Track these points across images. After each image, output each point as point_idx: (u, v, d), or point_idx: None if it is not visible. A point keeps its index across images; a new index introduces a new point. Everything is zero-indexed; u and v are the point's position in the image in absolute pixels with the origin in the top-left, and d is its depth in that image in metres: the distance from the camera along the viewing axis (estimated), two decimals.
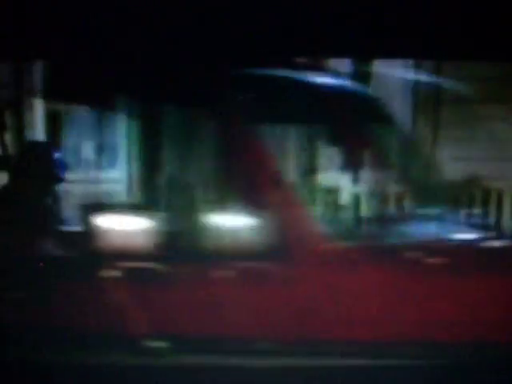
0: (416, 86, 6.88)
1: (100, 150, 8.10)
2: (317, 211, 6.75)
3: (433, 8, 5.11)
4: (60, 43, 4.69)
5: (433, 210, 4.97)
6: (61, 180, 5.25)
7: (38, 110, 8.02)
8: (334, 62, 6.86)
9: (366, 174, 5.69)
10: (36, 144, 5.95)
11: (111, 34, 4.73)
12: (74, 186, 7.93)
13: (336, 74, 6.09)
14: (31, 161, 5.14)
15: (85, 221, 4.45)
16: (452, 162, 6.79)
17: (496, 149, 6.84)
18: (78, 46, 4.72)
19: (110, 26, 4.71)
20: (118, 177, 7.94)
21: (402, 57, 6.26)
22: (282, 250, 4.23)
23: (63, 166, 5.23)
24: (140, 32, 4.78)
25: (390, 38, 5.15)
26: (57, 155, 5.22)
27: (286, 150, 7.20)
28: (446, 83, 6.72)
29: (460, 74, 6.87)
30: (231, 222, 4.41)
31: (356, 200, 6.65)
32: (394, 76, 7.12)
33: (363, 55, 6.25)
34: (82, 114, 8.02)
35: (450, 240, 4.50)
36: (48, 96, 6.90)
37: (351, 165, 5.64)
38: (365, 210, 6.59)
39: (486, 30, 5.01)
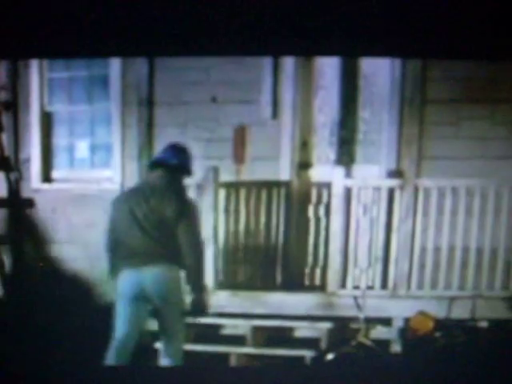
0: (402, 85, 6.96)
1: (94, 149, 8.16)
2: None
3: (421, 7, 5.22)
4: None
5: None
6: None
7: (34, 110, 8.09)
8: (322, 61, 7.02)
9: None
10: None
11: None
12: (68, 185, 8.10)
13: None
14: None
15: None
16: (436, 160, 6.91)
17: (480, 148, 6.93)
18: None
19: None
20: (112, 176, 7.98)
21: (390, 56, 6.38)
22: None
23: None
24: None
25: (377, 36, 5.25)
26: None
27: None
28: (432, 82, 6.83)
29: (446, 74, 6.98)
30: None
31: None
32: (382, 75, 7.23)
33: (352, 53, 6.34)
34: (76, 113, 8.12)
35: None
36: None
37: None
38: None
39: (474, 28, 5.11)
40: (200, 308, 5.72)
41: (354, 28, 5.19)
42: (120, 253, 5.72)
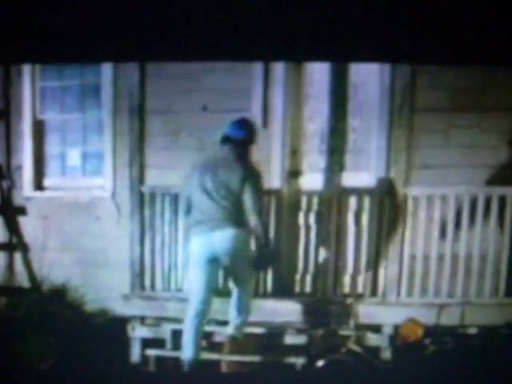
0: (392, 94, 7.00)
1: (86, 157, 8.18)
2: None
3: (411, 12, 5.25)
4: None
5: None
6: None
7: (26, 118, 8.11)
8: (312, 70, 7.06)
9: None
10: None
11: None
12: (60, 193, 8.12)
13: None
14: None
15: None
16: (425, 168, 6.95)
17: (469, 156, 6.97)
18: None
19: None
20: (104, 184, 8.01)
21: (380, 61, 6.42)
22: None
23: None
24: None
25: (367, 41, 5.29)
26: None
27: None
28: (421, 91, 6.87)
29: (434, 83, 7.03)
30: None
31: None
32: (371, 84, 7.27)
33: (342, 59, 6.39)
34: (68, 121, 8.15)
35: None
36: None
37: None
38: None
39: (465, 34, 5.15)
40: (267, 261, 6.49)
41: (344, 33, 5.23)
42: (192, 221, 6.35)
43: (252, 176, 6.28)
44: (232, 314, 6.50)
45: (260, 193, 6.36)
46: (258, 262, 6.39)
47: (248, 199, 6.20)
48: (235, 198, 6.22)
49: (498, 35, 4.94)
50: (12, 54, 4.99)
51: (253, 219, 6.21)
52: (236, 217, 6.23)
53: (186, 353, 6.32)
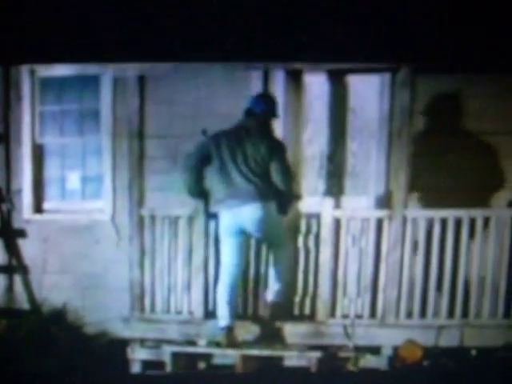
0: (390, 118, 7.09)
1: (85, 180, 8.20)
2: None
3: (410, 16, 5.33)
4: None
5: None
6: None
7: (25, 142, 8.14)
8: (311, 95, 7.14)
9: None
10: None
11: None
12: (59, 216, 8.14)
13: None
14: None
15: None
16: (424, 191, 7.03)
17: (466, 178, 7.07)
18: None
19: None
20: (103, 207, 8.04)
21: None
22: None
23: None
24: None
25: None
26: None
27: None
28: (419, 115, 6.97)
29: (432, 107, 7.14)
30: None
31: None
32: (370, 108, 7.37)
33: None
34: (67, 145, 8.18)
35: None
36: None
37: None
38: None
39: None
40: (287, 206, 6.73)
41: (343, 36, 5.31)
42: (219, 194, 6.60)
43: (278, 147, 6.55)
44: (270, 282, 6.83)
45: (287, 163, 6.58)
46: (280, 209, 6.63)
47: (276, 169, 6.45)
48: (263, 171, 6.46)
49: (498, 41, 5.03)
50: (11, 55, 5.02)
51: (282, 187, 6.50)
52: (264, 190, 6.46)
53: (225, 318, 6.64)
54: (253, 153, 6.47)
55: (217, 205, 6.67)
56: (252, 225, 6.51)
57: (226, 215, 6.58)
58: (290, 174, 6.60)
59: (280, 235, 6.71)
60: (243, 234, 6.63)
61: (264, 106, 6.67)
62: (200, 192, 6.75)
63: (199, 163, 6.64)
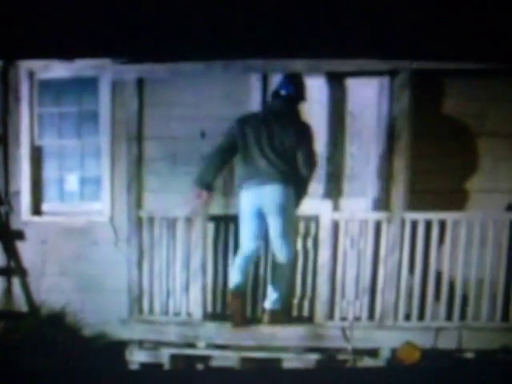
0: (389, 121, 7.11)
1: (83, 182, 8.21)
2: None
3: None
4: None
5: None
6: None
7: (24, 144, 8.15)
8: (310, 99, 7.15)
9: None
10: None
11: None
12: (58, 218, 8.14)
13: None
14: None
15: None
16: (422, 193, 7.04)
17: (466, 181, 7.09)
18: None
19: None
20: (101, 209, 8.04)
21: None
22: None
23: None
24: None
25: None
26: None
27: None
28: (421, 117, 6.97)
29: (432, 110, 7.16)
30: None
31: None
32: (369, 112, 7.39)
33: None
34: (65, 147, 8.18)
35: None
36: None
37: None
38: None
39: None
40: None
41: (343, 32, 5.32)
42: (241, 175, 6.68)
43: (306, 132, 6.57)
44: (269, 291, 6.87)
45: (313, 150, 6.61)
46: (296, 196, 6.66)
47: (302, 156, 6.49)
48: (288, 154, 6.49)
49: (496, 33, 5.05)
50: (9, 50, 5.01)
51: (305, 172, 6.54)
52: (286, 173, 6.49)
53: (235, 281, 6.70)
54: (280, 136, 6.48)
55: (238, 186, 6.73)
56: (269, 205, 6.53)
57: (246, 195, 6.62)
58: (314, 161, 6.62)
59: (291, 223, 6.69)
60: (261, 217, 6.62)
61: (291, 89, 6.65)
62: (208, 182, 6.68)
63: (220, 149, 6.64)
